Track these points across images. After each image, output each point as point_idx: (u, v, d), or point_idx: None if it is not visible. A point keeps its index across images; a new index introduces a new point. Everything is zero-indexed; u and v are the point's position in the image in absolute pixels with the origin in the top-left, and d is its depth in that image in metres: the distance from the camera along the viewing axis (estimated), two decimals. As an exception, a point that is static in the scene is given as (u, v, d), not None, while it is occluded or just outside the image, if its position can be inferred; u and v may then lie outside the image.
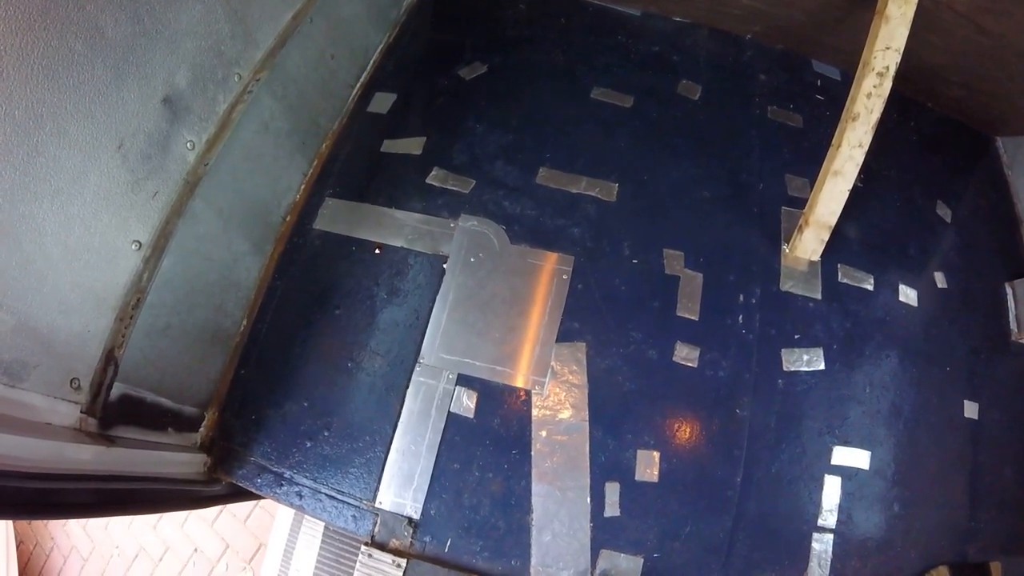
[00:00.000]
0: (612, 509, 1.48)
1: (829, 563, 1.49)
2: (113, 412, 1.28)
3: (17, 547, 2.79)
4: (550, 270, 1.66)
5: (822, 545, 1.50)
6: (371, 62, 2.04)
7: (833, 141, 1.63)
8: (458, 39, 2.07)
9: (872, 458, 1.57)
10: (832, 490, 1.53)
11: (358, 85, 2.00)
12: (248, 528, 2.63)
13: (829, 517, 1.52)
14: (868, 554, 1.52)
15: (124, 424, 1.32)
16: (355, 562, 1.52)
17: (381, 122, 1.92)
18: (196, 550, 2.67)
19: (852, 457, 1.56)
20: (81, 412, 1.23)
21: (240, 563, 2.60)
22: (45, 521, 2.89)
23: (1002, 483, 1.65)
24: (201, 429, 1.57)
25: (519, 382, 1.56)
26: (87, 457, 1.16)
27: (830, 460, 1.55)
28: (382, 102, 1.95)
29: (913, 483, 1.58)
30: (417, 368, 1.57)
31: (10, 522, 2.77)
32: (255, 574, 2.55)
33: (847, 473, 1.55)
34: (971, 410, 1.67)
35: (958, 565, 1.56)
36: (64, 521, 2.87)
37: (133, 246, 1.32)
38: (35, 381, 1.12)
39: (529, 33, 2.07)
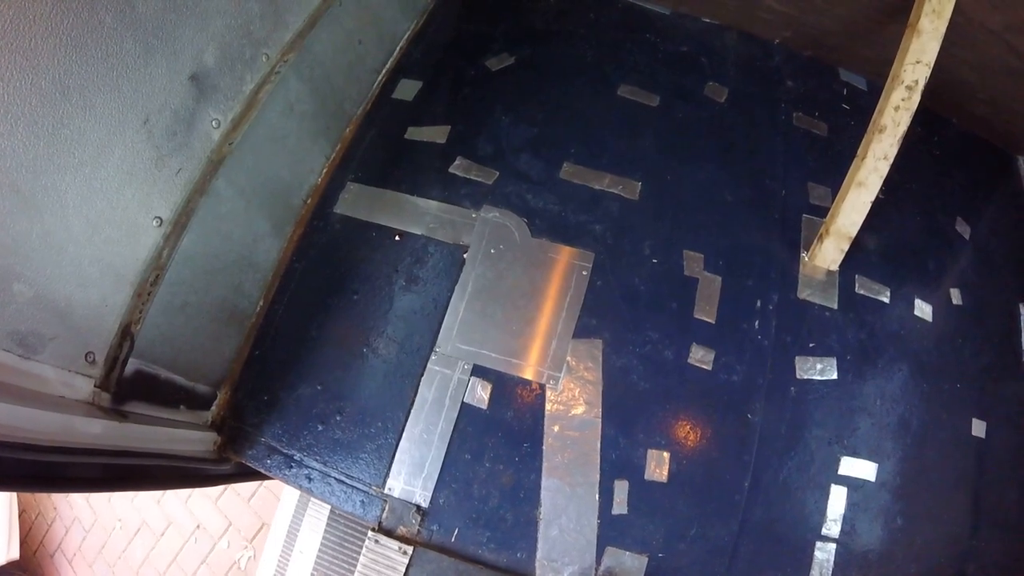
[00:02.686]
0: (620, 507, 1.48)
1: (830, 572, 1.49)
2: (127, 387, 1.29)
3: (19, 516, 2.81)
4: (570, 265, 1.66)
5: (824, 554, 1.50)
6: (398, 48, 2.03)
7: (858, 152, 1.62)
8: (486, 29, 2.06)
9: (879, 470, 1.56)
10: (837, 500, 1.53)
11: (384, 71, 1.99)
12: (251, 507, 2.65)
13: (833, 527, 1.52)
14: (869, 566, 1.52)
15: (137, 400, 1.32)
16: (359, 547, 1.52)
17: (406, 109, 1.91)
18: (199, 526, 2.68)
19: (859, 468, 1.56)
20: (95, 386, 1.23)
21: (242, 541, 2.62)
22: (50, 491, 2.91)
23: (1005, 504, 1.65)
24: (213, 408, 1.58)
25: (534, 376, 1.56)
26: (98, 431, 1.16)
27: (837, 470, 1.55)
28: (408, 89, 1.94)
29: (917, 498, 1.58)
30: (433, 357, 1.57)
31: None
32: (256, 553, 2.56)
33: (853, 484, 1.55)
34: (979, 428, 1.67)
35: (957, 582, 1.56)
36: (68, 492, 2.89)
37: (154, 222, 1.32)
38: (50, 353, 1.12)
39: (558, 27, 2.06)
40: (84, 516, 2.86)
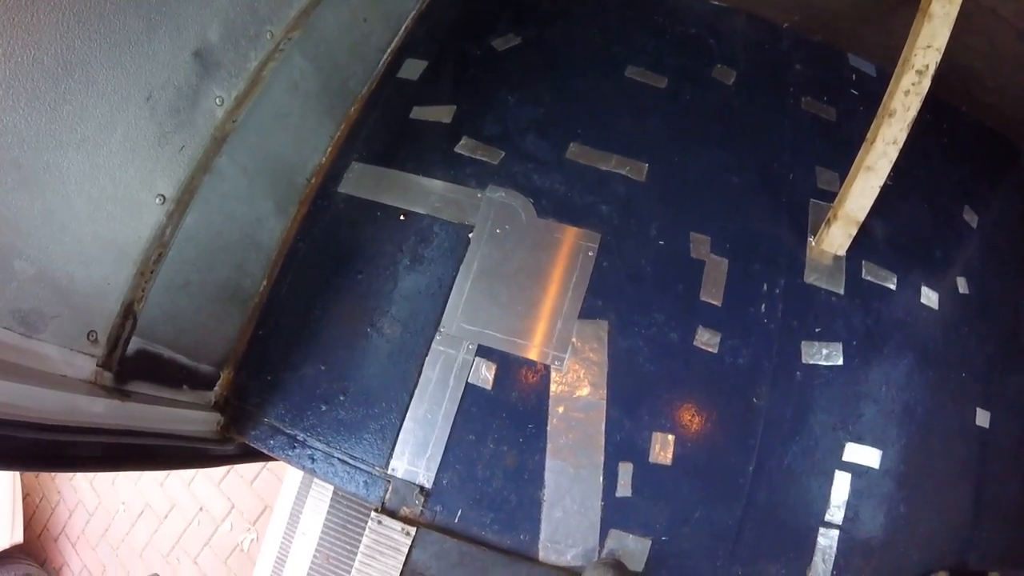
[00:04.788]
0: (624, 489, 1.48)
1: (833, 559, 1.49)
2: (129, 367, 1.28)
3: (23, 499, 2.82)
4: (576, 246, 1.65)
5: (827, 540, 1.50)
6: (403, 28, 2.01)
7: (868, 136, 1.60)
8: (492, 9, 2.04)
9: (883, 457, 1.56)
10: (841, 486, 1.53)
11: (389, 50, 1.97)
12: (254, 490, 2.66)
13: (836, 513, 1.52)
14: (871, 553, 1.52)
15: (139, 379, 1.32)
16: (363, 528, 1.52)
17: (411, 88, 1.89)
18: (202, 509, 2.69)
19: (864, 455, 1.56)
20: (97, 365, 1.22)
21: (245, 524, 2.63)
22: (53, 474, 2.92)
23: (1007, 495, 1.65)
24: (216, 388, 1.58)
25: (539, 356, 1.56)
26: (100, 411, 1.16)
27: (842, 456, 1.55)
28: (413, 68, 1.92)
29: (921, 486, 1.58)
30: (437, 337, 1.57)
31: (17, 474, 2.79)
32: (259, 536, 2.57)
33: (857, 471, 1.54)
34: (983, 418, 1.66)
35: (958, 571, 1.55)
36: (71, 475, 2.90)
37: (157, 200, 1.31)
38: (52, 332, 1.11)
39: (565, 7, 2.03)
40: (88, 499, 2.87)
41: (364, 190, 1.74)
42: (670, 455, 1.50)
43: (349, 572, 1.54)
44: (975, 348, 1.73)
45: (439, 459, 1.49)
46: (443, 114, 1.82)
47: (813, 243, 1.70)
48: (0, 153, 0.97)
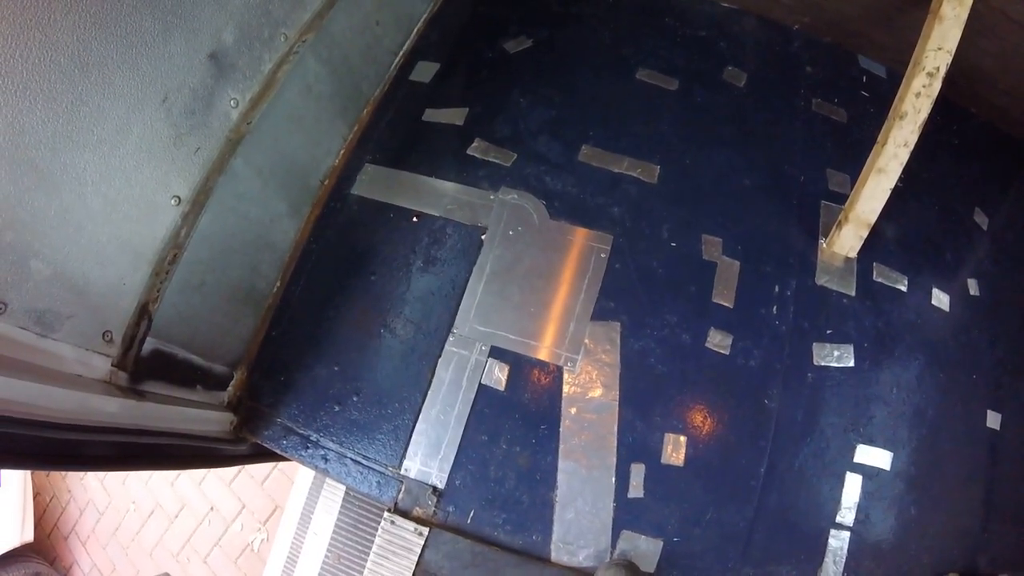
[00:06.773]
0: (636, 490, 1.48)
1: (844, 561, 1.49)
2: (144, 367, 1.29)
3: (34, 498, 2.82)
4: (588, 248, 1.66)
5: (838, 542, 1.50)
6: (415, 30, 2.03)
7: (879, 139, 1.60)
8: (504, 11, 2.05)
9: (894, 459, 1.56)
10: (852, 488, 1.53)
11: (401, 53, 1.98)
12: (265, 490, 2.66)
13: (847, 515, 1.51)
14: (882, 555, 1.51)
15: (154, 379, 1.33)
16: (375, 528, 1.53)
17: (423, 91, 1.91)
18: (212, 509, 2.70)
19: (875, 457, 1.55)
20: (112, 365, 1.23)
21: (255, 524, 2.63)
22: (64, 473, 2.93)
23: (1018, 497, 1.63)
24: (229, 388, 1.58)
25: (552, 358, 1.56)
26: (114, 410, 1.17)
27: (853, 458, 1.55)
28: (425, 71, 1.94)
29: (931, 488, 1.57)
30: (450, 338, 1.58)
31: (28, 473, 2.80)
32: (269, 536, 2.58)
33: (869, 472, 1.54)
34: (993, 420, 1.66)
35: (969, 573, 1.55)
36: (82, 474, 2.90)
37: (172, 201, 1.32)
38: (67, 332, 1.12)
39: (576, 9, 2.04)
40: (98, 498, 2.88)
41: (377, 192, 1.75)
42: (682, 456, 1.50)
43: (361, 572, 1.54)
44: (986, 350, 1.72)
45: (452, 460, 1.50)
46: (455, 116, 1.83)
47: (824, 245, 1.70)
48: (17, 154, 0.98)
